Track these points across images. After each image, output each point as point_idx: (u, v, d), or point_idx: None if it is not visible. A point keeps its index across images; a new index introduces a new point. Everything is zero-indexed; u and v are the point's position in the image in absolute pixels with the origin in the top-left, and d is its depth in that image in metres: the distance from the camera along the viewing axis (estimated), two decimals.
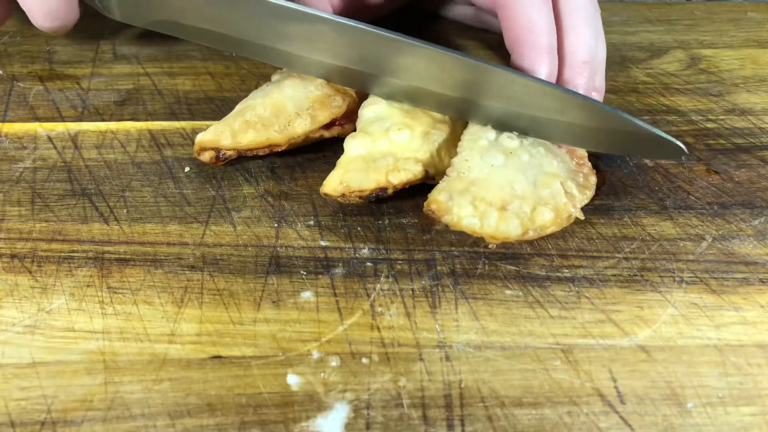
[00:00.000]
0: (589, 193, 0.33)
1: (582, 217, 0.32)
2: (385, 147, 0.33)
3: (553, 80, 0.34)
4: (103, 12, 0.37)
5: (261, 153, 0.35)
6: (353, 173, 0.32)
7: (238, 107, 0.36)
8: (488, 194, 0.31)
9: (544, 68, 0.33)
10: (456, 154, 0.34)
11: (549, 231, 0.31)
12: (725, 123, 0.40)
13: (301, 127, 0.35)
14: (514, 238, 0.30)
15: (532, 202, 0.31)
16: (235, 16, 0.34)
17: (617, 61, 0.45)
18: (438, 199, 0.31)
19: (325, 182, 0.33)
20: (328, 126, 0.36)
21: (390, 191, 0.32)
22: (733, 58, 0.46)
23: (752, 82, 0.43)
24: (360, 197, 0.32)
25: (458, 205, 0.30)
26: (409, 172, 0.32)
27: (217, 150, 0.35)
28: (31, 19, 0.37)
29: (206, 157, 0.35)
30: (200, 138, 0.35)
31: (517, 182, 0.31)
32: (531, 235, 0.31)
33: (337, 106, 0.36)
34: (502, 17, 0.35)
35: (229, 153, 0.35)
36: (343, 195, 0.32)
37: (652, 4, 0.52)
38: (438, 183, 0.34)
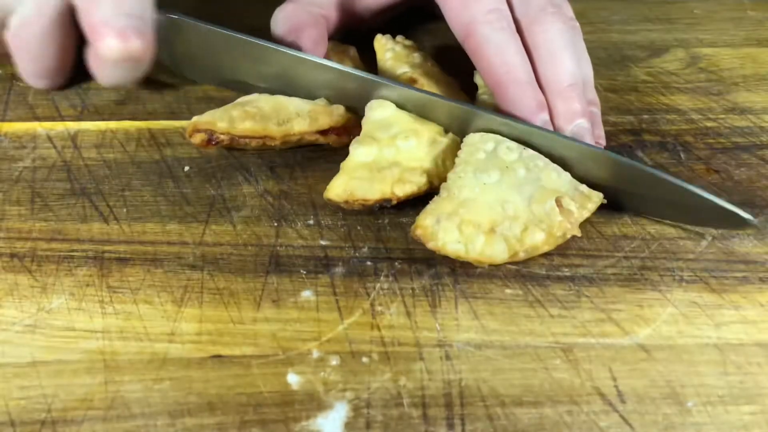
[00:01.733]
0: (591, 207, 0.32)
1: (579, 234, 0.31)
2: (391, 155, 0.33)
3: (544, 109, 0.33)
4: (176, 71, 0.41)
5: (254, 144, 0.35)
6: (358, 181, 0.32)
7: (239, 100, 0.36)
8: (477, 216, 0.30)
9: (529, 101, 0.33)
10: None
11: (541, 251, 0.31)
12: (725, 122, 0.40)
13: (299, 126, 0.35)
14: (501, 262, 0.30)
15: (523, 222, 0.30)
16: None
17: (617, 59, 0.45)
18: (424, 224, 0.30)
19: (328, 187, 0.32)
20: (324, 132, 0.36)
21: (394, 202, 0.32)
22: (733, 56, 0.46)
23: (752, 80, 0.43)
24: (363, 206, 0.32)
25: (444, 230, 0.30)
26: (414, 185, 0.32)
27: (210, 133, 0.35)
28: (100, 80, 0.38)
29: (198, 139, 0.35)
30: (196, 119, 0.35)
31: (509, 201, 0.31)
32: (521, 256, 0.30)
33: (339, 114, 0.36)
34: (475, 62, 0.35)
35: (221, 137, 0.35)
36: (346, 202, 0.32)
37: (652, 3, 0.52)
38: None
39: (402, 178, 0.32)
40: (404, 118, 0.34)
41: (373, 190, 0.32)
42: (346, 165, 0.33)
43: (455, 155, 0.34)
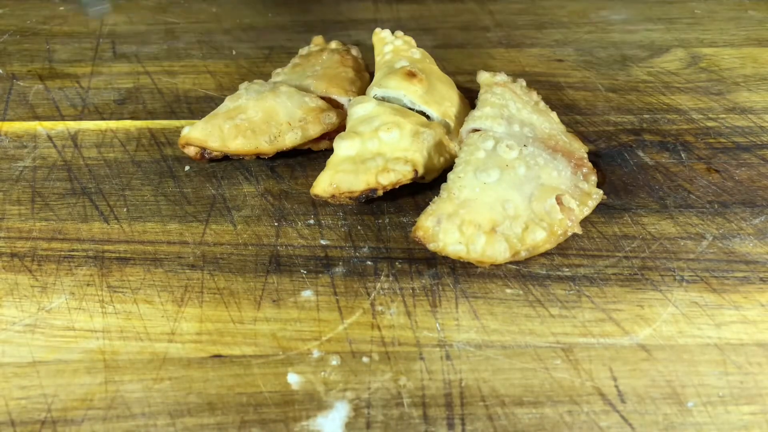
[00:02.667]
0: (592, 204, 0.32)
1: (580, 231, 0.31)
2: (374, 147, 0.33)
3: None
4: None
5: (247, 157, 0.35)
6: (343, 174, 0.32)
7: (228, 103, 0.36)
8: (478, 216, 0.30)
9: None
10: (446, 153, 0.34)
11: (542, 249, 0.31)
12: (726, 122, 0.40)
13: (291, 140, 0.35)
14: (503, 261, 0.30)
15: (524, 221, 0.30)
16: None
17: (618, 59, 0.45)
18: (425, 225, 0.30)
19: (315, 183, 0.33)
20: (317, 139, 0.36)
21: (380, 192, 0.32)
22: (734, 56, 0.46)
23: (753, 80, 0.43)
24: (350, 198, 0.32)
25: (444, 231, 0.30)
26: (398, 173, 0.32)
27: (203, 148, 0.35)
28: None
29: (191, 151, 0.35)
30: (187, 134, 0.35)
31: (509, 200, 0.31)
32: (523, 255, 0.30)
33: (330, 122, 0.36)
34: None
35: (215, 153, 0.35)
36: (333, 196, 0.32)
37: (653, 3, 0.52)
38: (428, 182, 0.34)
39: (386, 168, 0.32)
40: (386, 112, 0.34)
41: (358, 181, 0.32)
42: (330, 161, 0.33)
43: (441, 144, 0.34)
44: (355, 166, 0.32)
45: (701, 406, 0.26)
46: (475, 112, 0.35)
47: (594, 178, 0.33)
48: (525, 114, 0.35)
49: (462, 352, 0.28)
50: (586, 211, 0.32)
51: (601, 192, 0.32)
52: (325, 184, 0.32)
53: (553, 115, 0.37)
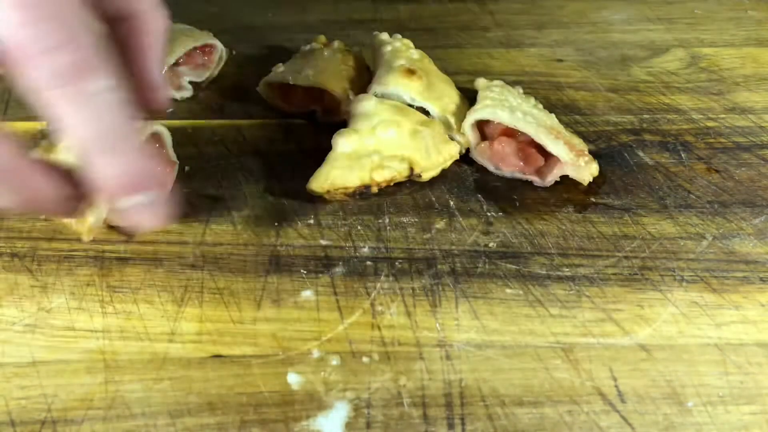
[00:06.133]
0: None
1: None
2: (371, 144, 0.33)
3: None
4: None
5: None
6: (338, 170, 0.32)
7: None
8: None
9: None
10: (445, 152, 0.34)
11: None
12: (726, 122, 0.40)
13: None
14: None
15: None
16: None
17: (618, 59, 0.45)
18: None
19: (311, 179, 0.33)
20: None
21: (374, 189, 0.32)
22: (734, 56, 0.46)
23: (753, 80, 0.43)
24: (345, 194, 0.32)
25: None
26: (393, 170, 0.33)
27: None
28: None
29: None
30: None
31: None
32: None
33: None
34: None
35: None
36: (328, 192, 0.32)
37: (653, 3, 0.52)
38: (426, 180, 0.34)
39: (381, 164, 0.32)
40: (386, 110, 0.34)
41: (352, 177, 0.32)
42: (328, 157, 0.33)
43: (440, 142, 0.34)
44: (351, 163, 0.33)
45: (701, 406, 0.26)
46: (476, 106, 0.35)
47: (595, 165, 0.34)
48: (526, 107, 0.35)
49: (462, 352, 0.28)
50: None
51: (596, 166, 0.34)
52: (321, 179, 0.32)
53: (552, 116, 0.37)
